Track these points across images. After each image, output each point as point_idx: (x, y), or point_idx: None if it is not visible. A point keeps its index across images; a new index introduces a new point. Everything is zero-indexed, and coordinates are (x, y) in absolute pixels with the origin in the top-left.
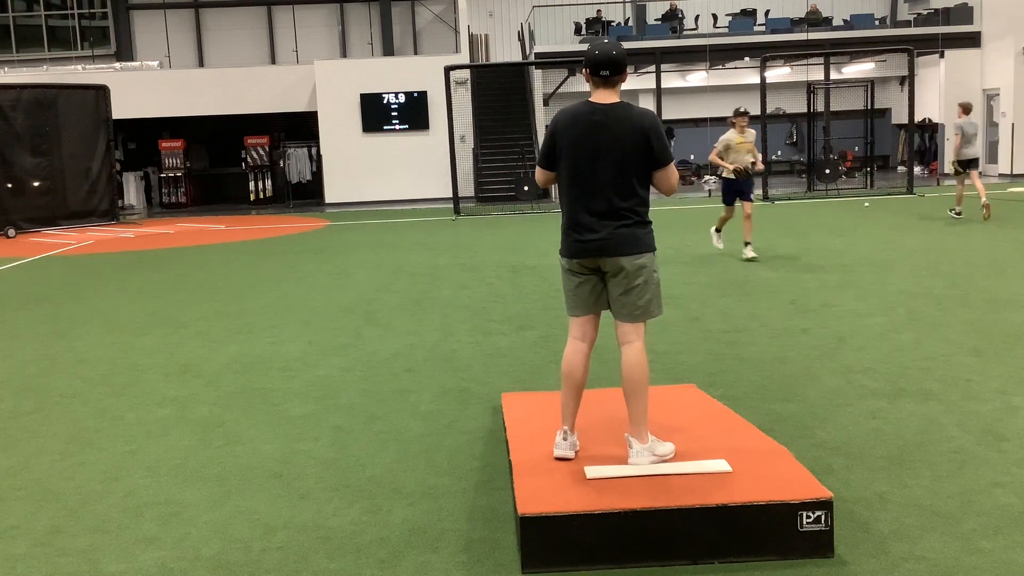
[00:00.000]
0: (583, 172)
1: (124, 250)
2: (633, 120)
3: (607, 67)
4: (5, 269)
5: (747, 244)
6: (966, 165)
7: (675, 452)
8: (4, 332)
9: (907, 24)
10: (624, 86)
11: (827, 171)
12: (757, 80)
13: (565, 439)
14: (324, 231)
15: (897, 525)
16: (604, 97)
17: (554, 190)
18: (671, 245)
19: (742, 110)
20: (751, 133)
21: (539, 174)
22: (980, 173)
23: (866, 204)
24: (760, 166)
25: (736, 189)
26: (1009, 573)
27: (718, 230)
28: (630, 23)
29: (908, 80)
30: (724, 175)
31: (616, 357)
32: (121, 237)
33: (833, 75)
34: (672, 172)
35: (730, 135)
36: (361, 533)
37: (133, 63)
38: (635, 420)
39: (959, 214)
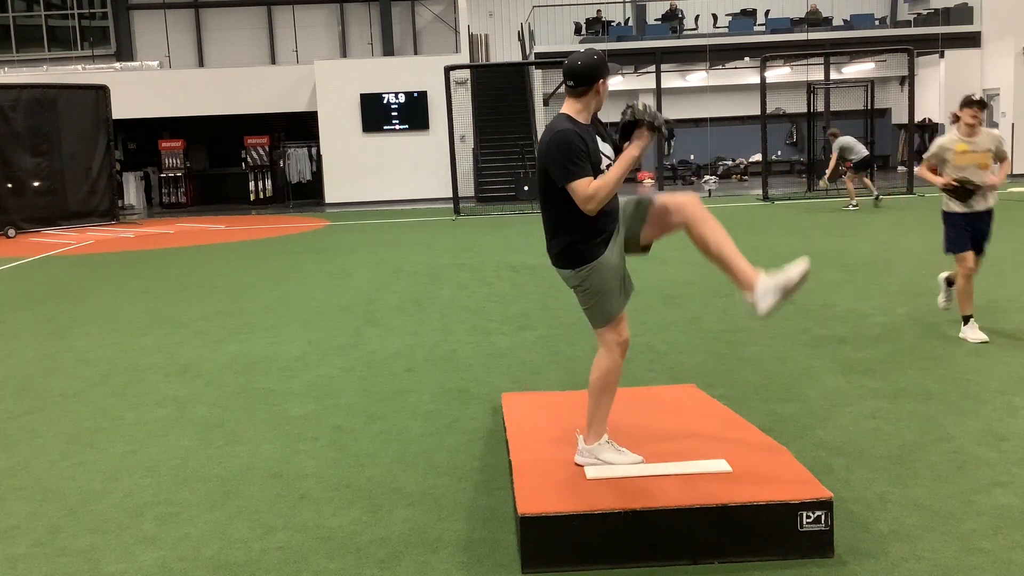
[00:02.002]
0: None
1: (124, 250)
2: (544, 136)
3: (569, 78)
4: (5, 269)
5: (969, 319)
6: (859, 168)
7: (640, 462)
8: (4, 332)
9: (907, 24)
10: (624, 86)
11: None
12: (757, 80)
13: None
14: (324, 231)
15: (897, 525)
16: (565, 107)
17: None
18: (671, 245)
19: (976, 97)
20: (987, 137)
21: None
22: (866, 175)
23: (854, 205)
24: (993, 179)
25: (970, 228)
26: (1009, 573)
27: (966, 321)
28: (630, 23)
29: (908, 80)
30: (944, 206)
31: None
32: (121, 237)
33: (833, 75)
34: (576, 191)
35: (948, 139)
36: (361, 533)
37: (133, 63)
38: (587, 419)
39: (855, 206)
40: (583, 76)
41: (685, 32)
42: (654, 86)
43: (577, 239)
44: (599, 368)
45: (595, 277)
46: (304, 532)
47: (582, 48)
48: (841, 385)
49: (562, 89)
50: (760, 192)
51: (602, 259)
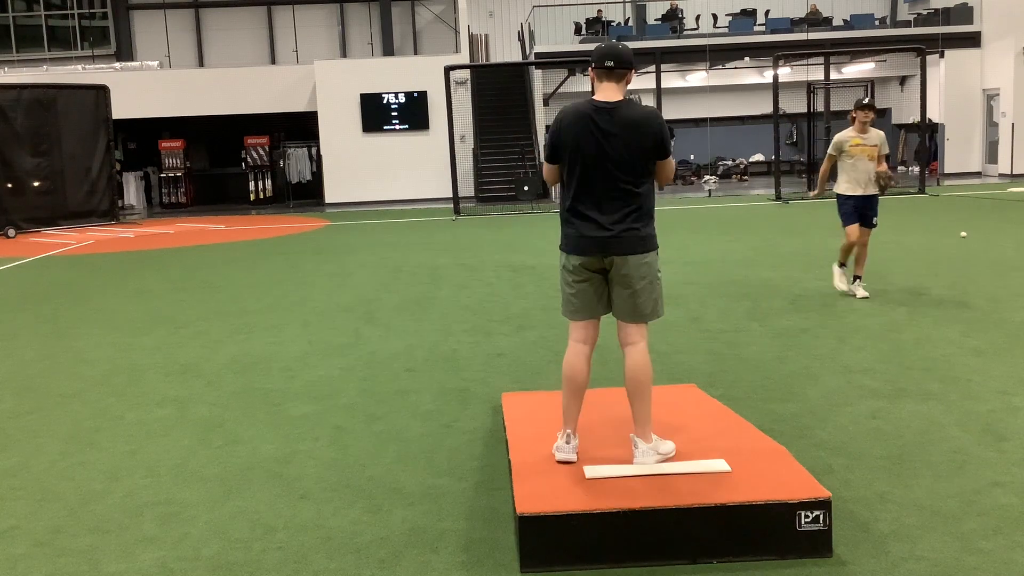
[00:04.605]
0: (588, 171)
1: (124, 250)
2: (638, 119)
3: (611, 58)
4: (5, 269)
5: (857, 279)
6: None
7: (675, 451)
8: (4, 332)
9: (907, 24)
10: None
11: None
12: (757, 80)
13: (568, 442)
14: (324, 231)
15: (897, 525)
16: (608, 94)
17: (554, 189)
18: (672, 245)
19: (866, 100)
20: (875, 135)
21: (546, 169)
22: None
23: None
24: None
25: (858, 208)
26: (1009, 573)
27: (854, 280)
28: (630, 23)
29: (921, 80)
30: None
31: (616, 357)
32: (121, 237)
33: (833, 75)
34: (670, 164)
35: (845, 135)
36: (361, 533)
37: (133, 63)
38: (640, 421)
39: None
40: (624, 58)
41: (685, 32)
42: (654, 86)
43: (653, 221)
44: (649, 364)
45: (658, 262)
46: (304, 532)
47: (583, 48)
48: (841, 385)
49: (564, 88)
50: (763, 192)
51: None
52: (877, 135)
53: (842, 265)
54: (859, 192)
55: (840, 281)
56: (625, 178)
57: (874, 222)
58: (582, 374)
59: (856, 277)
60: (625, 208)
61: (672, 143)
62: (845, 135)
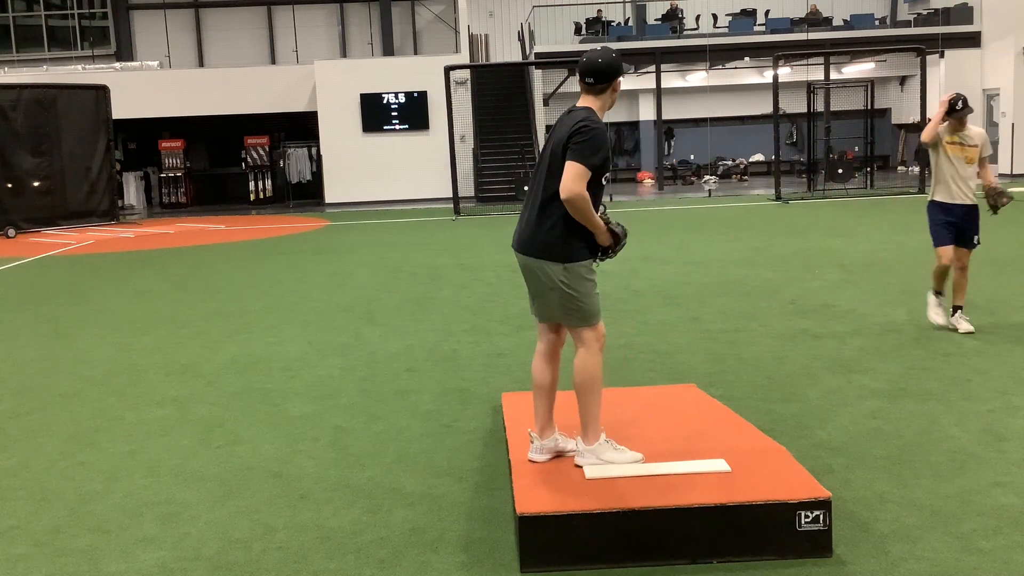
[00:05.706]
0: (535, 166)
1: (124, 250)
2: (570, 119)
3: (591, 75)
4: (5, 269)
5: (939, 294)
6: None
7: (640, 460)
8: (4, 332)
9: (907, 24)
10: (625, 86)
11: (840, 171)
12: (757, 80)
13: (532, 442)
14: (324, 231)
15: (897, 525)
16: (582, 101)
17: None
18: (671, 245)
19: (959, 106)
20: (976, 134)
21: None
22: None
23: None
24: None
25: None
26: (1009, 573)
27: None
28: (630, 23)
29: (921, 80)
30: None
31: (609, 358)
32: (121, 237)
33: (833, 75)
34: (569, 170)
35: (944, 127)
36: (361, 533)
37: (133, 63)
38: (581, 422)
39: None
40: (602, 74)
41: (685, 32)
42: (654, 86)
43: (572, 233)
44: (585, 368)
45: (579, 276)
46: (304, 532)
47: (583, 48)
48: (841, 385)
49: (564, 88)
50: (763, 192)
51: (588, 262)
52: (978, 134)
53: (938, 294)
54: (956, 200)
55: (936, 313)
56: (546, 179)
57: (976, 240)
58: (540, 373)
59: (956, 308)
60: (539, 208)
61: (672, 143)
62: (942, 129)
